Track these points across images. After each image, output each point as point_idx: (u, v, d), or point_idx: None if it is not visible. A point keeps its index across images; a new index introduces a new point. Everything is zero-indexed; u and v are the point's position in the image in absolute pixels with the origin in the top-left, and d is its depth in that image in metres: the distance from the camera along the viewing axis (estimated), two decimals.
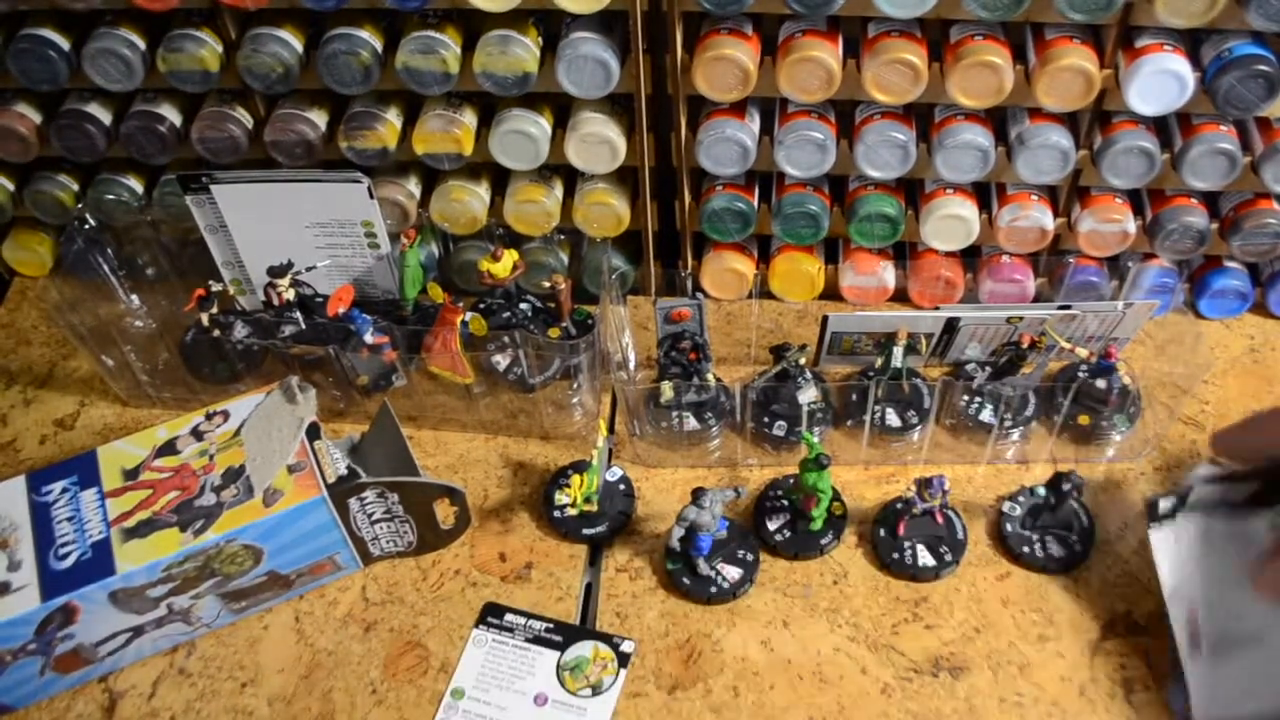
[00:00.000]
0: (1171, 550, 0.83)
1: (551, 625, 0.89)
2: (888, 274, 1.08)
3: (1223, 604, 0.79)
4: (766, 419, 1.00)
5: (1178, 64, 0.88)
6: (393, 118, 1.01)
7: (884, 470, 0.99)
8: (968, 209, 1.02)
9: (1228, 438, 0.64)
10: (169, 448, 0.89)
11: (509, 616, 0.90)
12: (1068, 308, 0.97)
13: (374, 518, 0.89)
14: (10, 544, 0.84)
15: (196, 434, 0.90)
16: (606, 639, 0.88)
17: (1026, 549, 0.91)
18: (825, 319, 1.00)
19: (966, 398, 0.99)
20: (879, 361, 1.00)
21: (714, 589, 0.89)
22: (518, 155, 1.01)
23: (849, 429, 1.01)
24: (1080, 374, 0.96)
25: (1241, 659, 0.77)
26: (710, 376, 1.01)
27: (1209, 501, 0.81)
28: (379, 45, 0.95)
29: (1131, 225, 1.01)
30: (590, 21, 0.94)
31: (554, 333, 1.04)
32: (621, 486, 0.97)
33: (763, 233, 1.08)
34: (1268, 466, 0.46)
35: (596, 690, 0.85)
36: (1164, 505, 0.50)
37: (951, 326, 0.99)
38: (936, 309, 1.02)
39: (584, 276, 1.11)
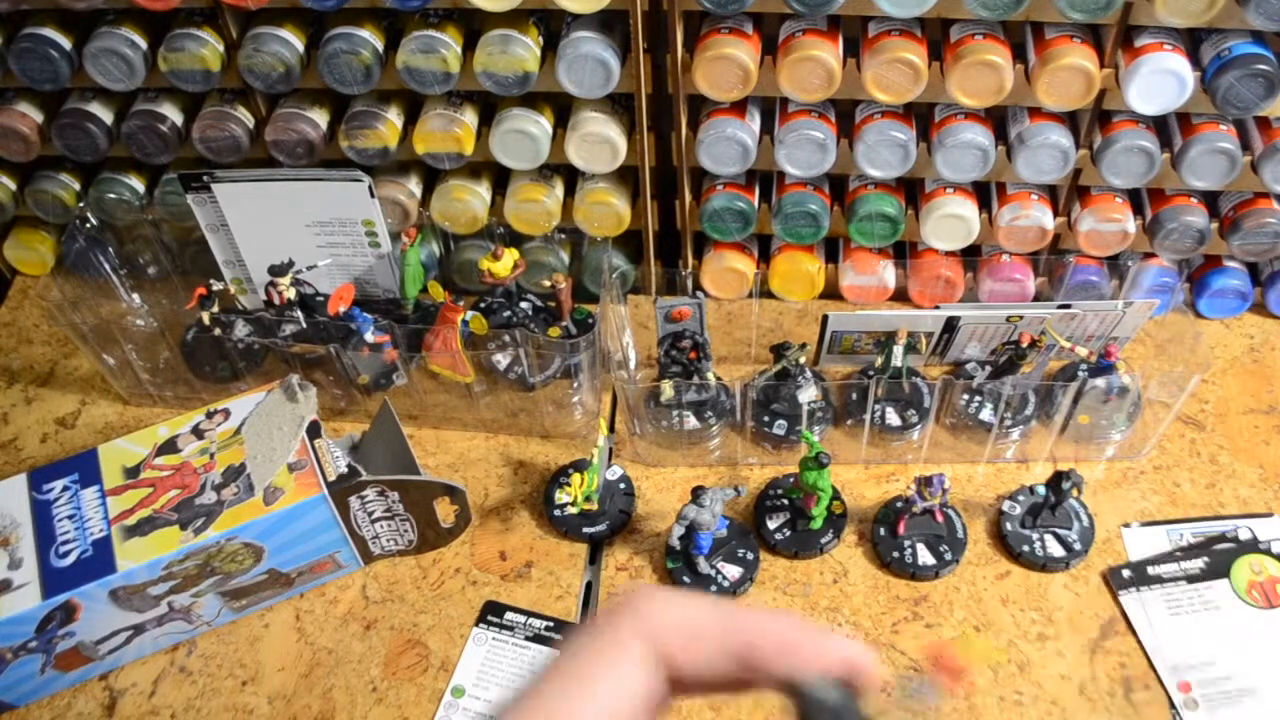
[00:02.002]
0: (1144, 616, 0.87)
1: (551, 623, 0.89)
2: (888, 273, 1.08)
3: (1212, 665, 0.84)
4: (766, 418, 1.00)
5: (1177, 63, 0.88)
6: (393, 117, 1.01)
7: (884, 469, 0.99)
8: (968, 208, 1.02)
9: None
10: (170, 446, 0.89)
11: (509, 615, 0.90)
12: (1068, 307, 0.97)
13: (374, 516, 0.89)
14: (11, 542, 0.84)
15: (197, 432, 0.90)
16: None
17: (1026, 548, 0.91)
18: (825, 318, 1.00)
19: (966, 397, 0.99)
20: (879, 360, 1.00)
21: (714, 587, 0.89)
22: (518, 154, 1.01)
23: (849, 428, 1.01)
24: (1080, 373, 0.96)
25: (1235, 710, 0.82)
26: (710, 375, 1.01)
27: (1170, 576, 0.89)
28: (380, 45, 0.96)
29: (1131, 225, 1.01)
30: (591, 21, 0.94)
31: (554, 332, 1.04)
32: (622, 485, 0.97)
33: (763, 232, 1.08)
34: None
35: None
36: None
37: (951, 326, 0.99)
38: (936, 308, 1.02)
39: (584, 276, 1.11)
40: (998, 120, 0.99)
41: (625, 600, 0.39)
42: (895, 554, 0.91)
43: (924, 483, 0.90)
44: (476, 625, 0.90)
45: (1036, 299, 1.08)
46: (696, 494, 0.87)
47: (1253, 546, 0.91)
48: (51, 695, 0.88)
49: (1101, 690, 0.84)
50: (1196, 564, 0.90)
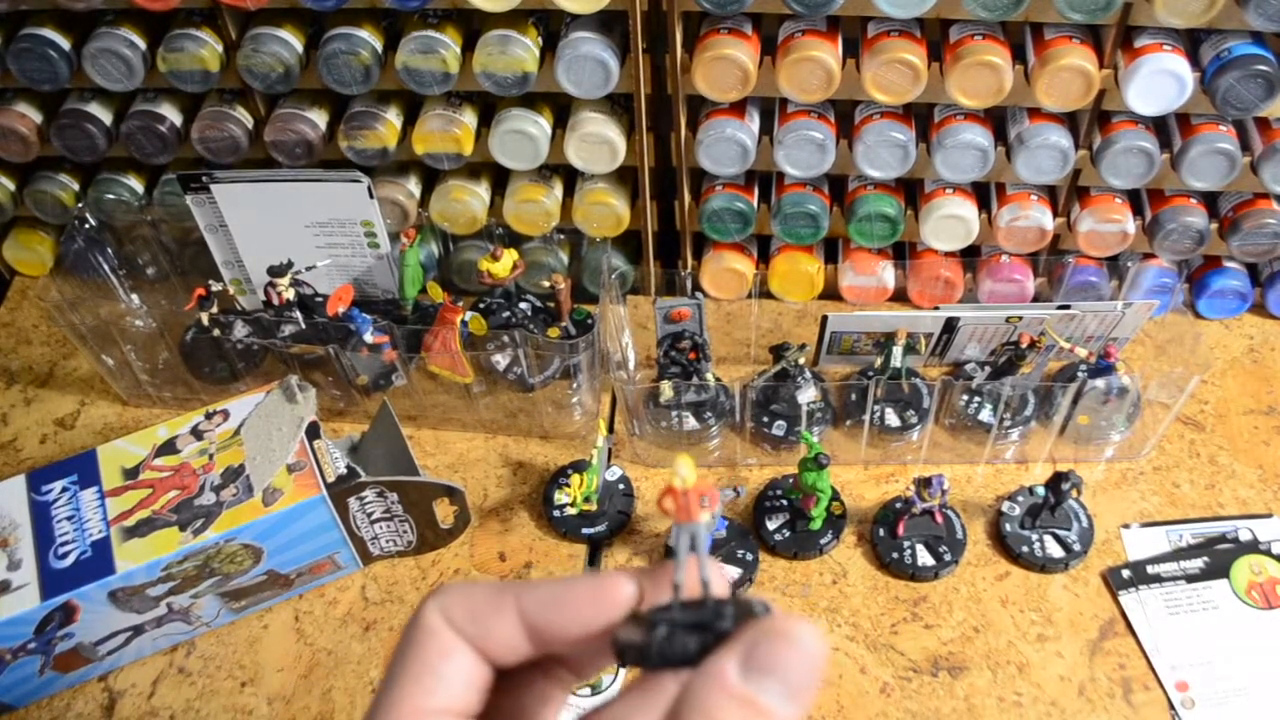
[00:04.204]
0: (1144, 616, 0.88)
1: None
2: (887, 274, 1.08)
3: (1211, 666, 0.85)
4: (766, 418, 1.00)
5: (1177, 64, 0.88)
6: (393, 117, 1.01)
7: (883, 470, 0.99)
8: (967, 209, 1.02)
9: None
10: (169, 447, 0.89)
11: None
12: (1067, 307, 0.97)
13: (373, 517, 0.89)
14: (10, 543, 0.84)
15: (196, 433, 0.90)
16: None
17: (1025, 549, 0.91)
18: (825, 319, 1.00)
19: (966, 397, 0.99)
20: (878, 361, 1.00)
21: None
22: (517, 155, 1.01)
23: (848, 429, 1.01)
24: (1079, 374, 0.96)
25: (1234, 711, 0.83)
26: (710, 376, 1.01)
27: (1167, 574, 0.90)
28: (379, 45, 0.96)
29: (1131, 225, 1.01)
30: (590, 21, 0.94)
31: (553, 332, 1.04)
32: (621, 486, 0.97)
33: (762, 232, 1.08)
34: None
35: (595, 690, 0.85)
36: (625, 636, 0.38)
37: (951, 326, 0.99)
38: (936, 309, 1.02)
39: (584, 276, 1.11)
40: (997, 121, 0.99)
41: (428, 594, 0.39)
42: (894, 555, 0.91)
43: (923, 484, 0.90)
44: None
45: (1036, 300, 1.08)
46: None
47: (1252, 547, 0.91)
48: (51, 696, 0.88)
49: (1101, 691, 0.84)
50: (1196, 564, 0.90)
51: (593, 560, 0.94)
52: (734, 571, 0.90)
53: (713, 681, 0.33)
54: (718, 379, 1.01)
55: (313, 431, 0.88)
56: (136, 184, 1.11)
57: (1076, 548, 0.91)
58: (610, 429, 1.02)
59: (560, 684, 0.41)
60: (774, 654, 0.33)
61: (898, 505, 0.93)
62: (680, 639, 0.34)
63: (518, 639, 0.38)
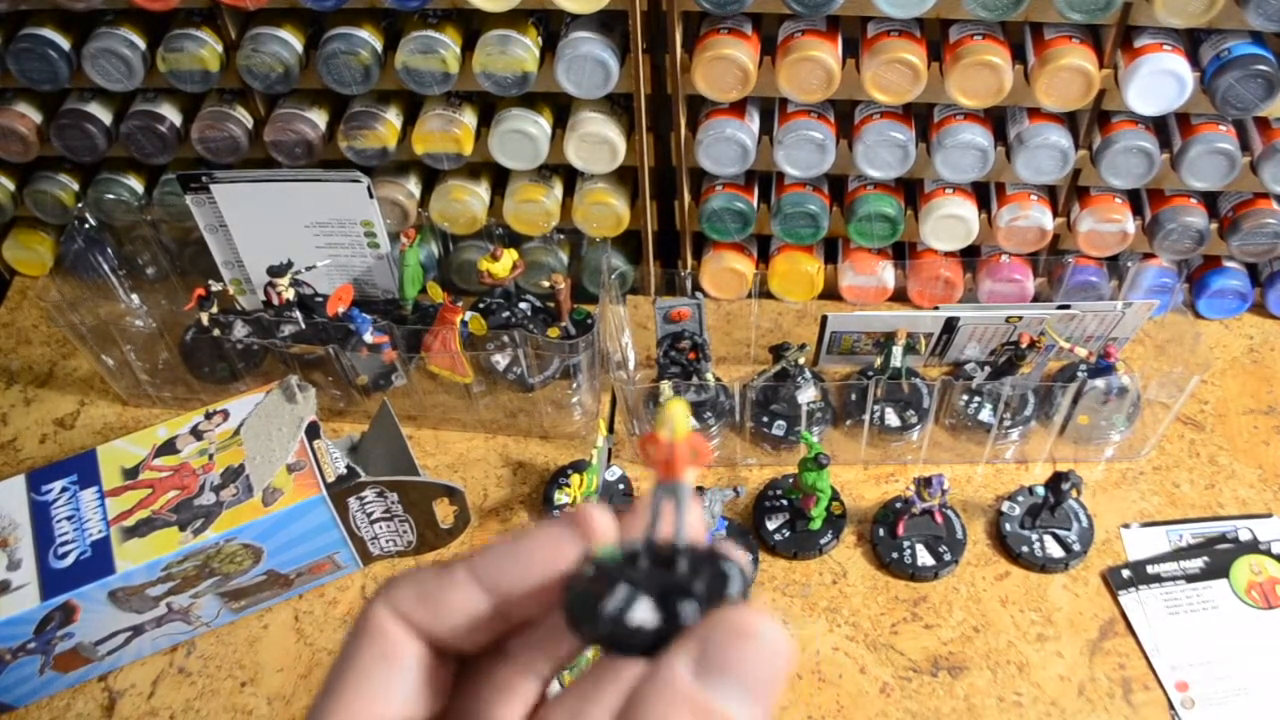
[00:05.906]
0: (1143, 616, 0.88)
1: None
2: (887, 274, 1.08)
3: (1211, 666, 0.85)
4: (766, 418, 1.00)
5: (1177, 64, 0.88)
6: (392, 117, 1.01)
7: (883, 470, 0.99)
8: (967, 209, 1.02)
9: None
10: (169, 447, 0.89)
11: None
12: (1067, 307, 0.97)
13: (373, 517, 0.89)
14: (10, 543, 0.84)
15: (196, 433, 0.90)
16: None
17: (1025, 548, 0.91)
18: (825, 319, 1.00)
19: (966, 397, 0.99)
20: (878, 361, 1.00)
21: None
22: (517, 155, 1.01)
23: (848, 428, 1.01)
24: (1079, 374, 0.96)
25: (1234, 711, 0.83)
26: (709, 376, 1.01)
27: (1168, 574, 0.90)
28: (379, 45, 0.95)
29: (1131, 225, 1.01)
30: (590, 21, 0.94)
31: (553, 332, 1.04)
32: (621, 486, 0.97)
33: (762, 232, 1.08)
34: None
35: None
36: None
37: (951, 326, 0.99)
38: (936, 309, 1.02)
39: (583, 276, 1.11)
40: (997, 121, 0.99)
41: (376, 590, 0.36)
42: (894, 555, 0.91)
43: (923, 483, 0.90)
44: None
45: (1036, 299, 1.08)
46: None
47: (1252, 547, 0.91)
48: (51, 696, 0.88)
49: (1101, 691, 0.84)
50: (1196, 564, 0.90)
51: None
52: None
53: (663, 685, 0.31)
54: (718, 379, 1.01)
55: (313, 431, 0.88)
56: (136, 184, 1.11)
57: (1076, 548, 0.91)
58: (610, 429, 1.02)
59: (530, 674, 0.37)
60: (731, 653, 0.30)
61: (898, 505, 0.93)
62: (637, 614, 0.31)
63: (475, 602, 0.34)
